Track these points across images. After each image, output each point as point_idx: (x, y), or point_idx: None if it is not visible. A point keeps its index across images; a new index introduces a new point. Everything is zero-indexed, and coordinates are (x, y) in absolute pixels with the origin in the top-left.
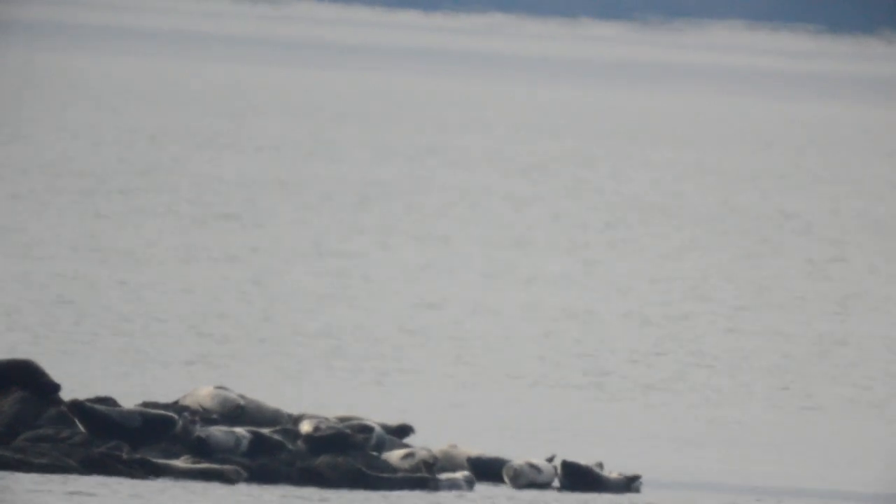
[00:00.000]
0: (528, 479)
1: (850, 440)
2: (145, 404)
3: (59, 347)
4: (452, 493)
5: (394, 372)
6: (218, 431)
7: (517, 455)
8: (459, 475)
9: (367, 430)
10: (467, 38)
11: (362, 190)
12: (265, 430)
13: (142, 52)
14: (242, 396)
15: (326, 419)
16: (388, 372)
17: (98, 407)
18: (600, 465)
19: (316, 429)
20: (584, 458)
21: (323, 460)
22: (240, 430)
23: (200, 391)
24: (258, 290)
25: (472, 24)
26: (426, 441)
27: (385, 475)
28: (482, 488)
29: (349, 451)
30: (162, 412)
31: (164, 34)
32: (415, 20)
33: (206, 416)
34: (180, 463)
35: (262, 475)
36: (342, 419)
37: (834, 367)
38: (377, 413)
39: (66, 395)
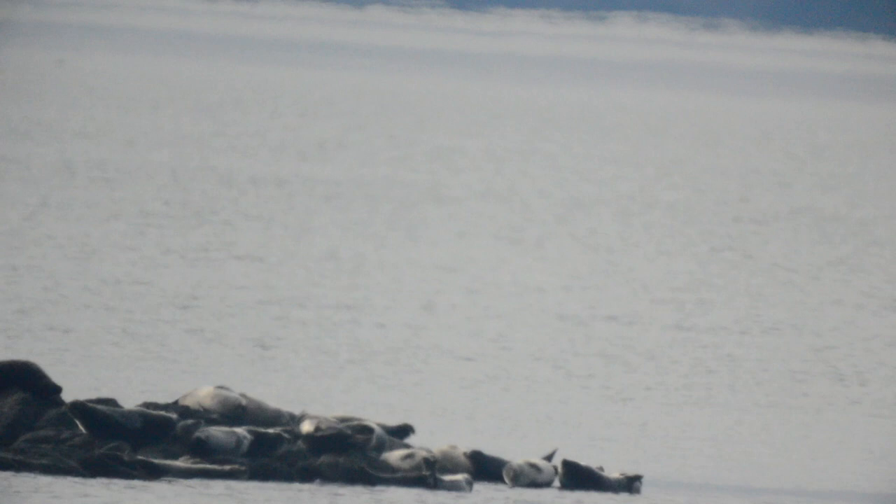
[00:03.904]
0: (528, 479)
1: (850, 440)
2: (146, 405)
3: (59, 348)
4: (453, 494)
5: (394, 372)
6: (219, 432)
7: (517, 455)
8: (461, 477)
9: (367, 430)
10: (468, 37)
11: (364, 191)
12: (266, 430)
13: (142, 52)
14: (244, 396)
15: (326, 419)
16: (388, 373)
17: (99, 407)
18: (600, 469)
19: (316, 429)
20: (585, 458)
21: (323, 460)
22: (240, 430)
23: (201, 391)
24: (258, 290)
25: (473, 22)
26: (427, 442)
27: (386, 475)
28: (482, 488)
29: (349, 451)
30: (162, 413)
31: (164, 34)
32: (413, 19)
33: (206, 417)
34: (181, 463)
35: (263, 475)
36: (342, 419)
37: (834, 366)
38: (376, 413)
39: (66, 396)
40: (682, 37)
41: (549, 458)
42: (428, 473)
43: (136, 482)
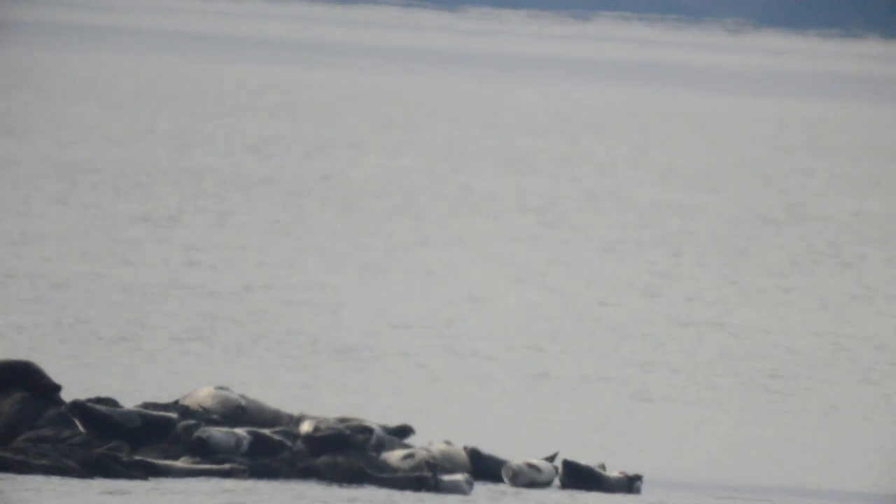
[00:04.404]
0: (527, 478)
1: (851, 440)
2: (145, 405)
3: (58, 348)
4: (453, 494)
5: (394, 373)
6: (218, 432)
7: (517, 455)
8: (461, 477)
9: (366, 430)
10: (455, 36)
11: (364, 190)
12: (265, 431)
13: (141, 51)
14: (243, 396)
15: (326, 420)
16: (387, 373)
17: (99, 407)
18: (602, 467)
19: (316, 429)
20: (585, 458)
21: (323, 460)
22: (240, 430)
23: (201, 391)
24: (258, 290)
25: (460, 21)
26: (426, 442)
27: (386, 475)
28: (482, 488)
29: (349, 451)
30: (162, 413)
31: (163, 34)
32: (414, 18)
33: (206, 417)
34: (180, 463)
35: (263, 475)
36: (342, 420)
37: (833, 366)
38: (376, 414)
39: (66, 396)
40: (671, 37)
41: (550, 460)
42: (430, 474)
43: (135, 482)
